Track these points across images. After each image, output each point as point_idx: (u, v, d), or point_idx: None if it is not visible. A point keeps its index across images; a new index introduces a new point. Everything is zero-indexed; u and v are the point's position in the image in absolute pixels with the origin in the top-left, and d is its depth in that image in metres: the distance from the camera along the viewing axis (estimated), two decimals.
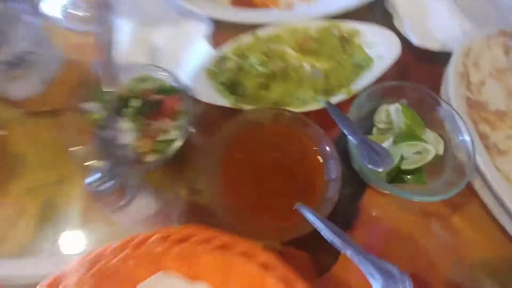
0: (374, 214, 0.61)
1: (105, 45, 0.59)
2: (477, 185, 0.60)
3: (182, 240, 0.43)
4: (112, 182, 0.39)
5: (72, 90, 0.61)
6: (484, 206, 0.59)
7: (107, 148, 0.56)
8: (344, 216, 0.60)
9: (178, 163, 0.64)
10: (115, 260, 0.41)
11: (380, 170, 0.49)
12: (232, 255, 0.43)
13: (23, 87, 0.68)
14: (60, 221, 0.58)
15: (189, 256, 0.42)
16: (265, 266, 0.42)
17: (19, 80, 0.68)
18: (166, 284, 0.41)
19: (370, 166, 0.49)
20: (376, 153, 0.51)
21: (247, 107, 0.61)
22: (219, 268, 0.42)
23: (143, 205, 0.48)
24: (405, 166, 0.56)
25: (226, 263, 0.42)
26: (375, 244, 0.59)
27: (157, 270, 0.42)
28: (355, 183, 0.63)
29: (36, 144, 0.65)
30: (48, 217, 0.58)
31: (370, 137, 0.60)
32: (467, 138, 0.56)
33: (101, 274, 0.39)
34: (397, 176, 0.55)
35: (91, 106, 0.60)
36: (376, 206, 0.62)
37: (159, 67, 0.62)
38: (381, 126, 0.63)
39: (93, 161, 0.54)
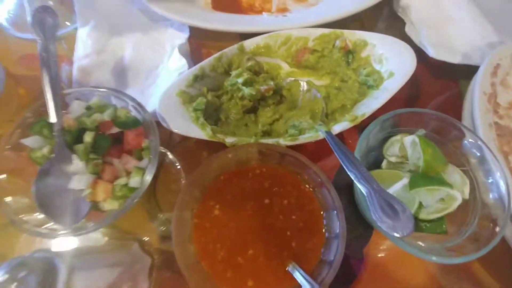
0: (380, 259, 0.52)
1: (48, 60, 0.47)
2: (509, 233, 0.49)
3: None
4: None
5: (11, 118, 0.49)
6: None
7: (50, 197, 0.44)
8: (346, 264, 0.50)
9: (145, 199, 0.53)
10: None
11: (396, 235, 0.37)
12: None
13: None
14: None
15: None
16: None
17: None
18: None
19: (384, 229, 0.38)
20: (390, 208, 0.40)
21: (228, 139, 0.49)
22: None
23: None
24: (424, 215, 0.46)
25: None
26: None
27: None
28: (359, 226, 0.53)
29: None
30: None
31: (377, 172, 0.50)
32: (500, 181, 0.45)
33: None
34: None
35: (32, 141, 0.47)
36: (383, 250, 0.53)
37: (120, 92, 0.49)
38: (393, 159, 0.52)
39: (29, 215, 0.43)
